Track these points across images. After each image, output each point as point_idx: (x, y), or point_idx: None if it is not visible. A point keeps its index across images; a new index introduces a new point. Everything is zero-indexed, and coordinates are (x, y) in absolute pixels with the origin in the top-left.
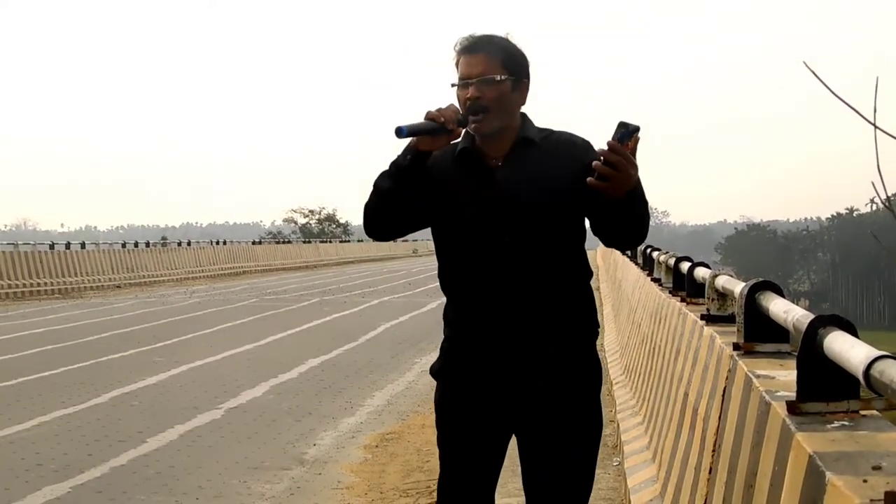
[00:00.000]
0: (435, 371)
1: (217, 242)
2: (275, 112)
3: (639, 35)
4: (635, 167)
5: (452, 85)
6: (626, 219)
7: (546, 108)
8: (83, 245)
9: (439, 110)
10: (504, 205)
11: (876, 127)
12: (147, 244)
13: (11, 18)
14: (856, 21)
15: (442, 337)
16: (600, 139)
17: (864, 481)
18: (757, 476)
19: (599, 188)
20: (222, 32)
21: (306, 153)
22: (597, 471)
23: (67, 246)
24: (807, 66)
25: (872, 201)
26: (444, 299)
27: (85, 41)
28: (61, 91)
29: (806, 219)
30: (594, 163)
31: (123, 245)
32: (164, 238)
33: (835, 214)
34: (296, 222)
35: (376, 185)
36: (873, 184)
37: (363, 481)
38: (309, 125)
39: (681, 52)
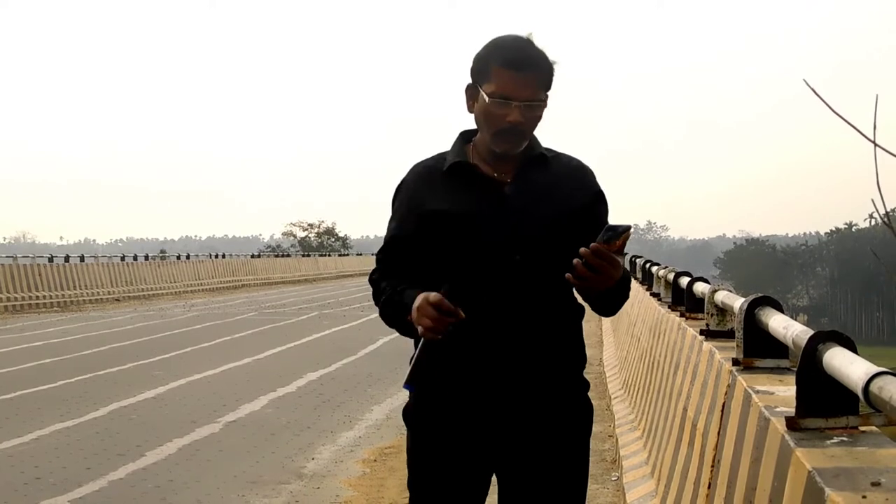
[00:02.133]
0: (415, 408)
1: (216, 256)
2: (274, 125)
3: (636, 50)
4: (618, 267)
5: (479, 91)
6: (603, 301)
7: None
8: (82, 258)
9: (427, 326)
10: (517, 223)
11: (875, 144)
12: (146, 257)
13: (9, 29)
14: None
15: None
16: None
17: (864, 497)
18: (756, 491)
19: (575, 285)
20: (222, 46)
21: (306, 167)
22: (596, 486)
23: (66, 259)
24: (807, 83)
25: (871, 216)
26: None
27: (85, 55)
28: (60, 104)
29: (805, 233)
30: (575, 260)
31: (122, 258)
32: (162, 251)
33: (833, 229)
34: (295, 236)
35: (384, 302)
36: (873, 201)
37: (362, 495)
38: (309, 139)
39: (681, 66)
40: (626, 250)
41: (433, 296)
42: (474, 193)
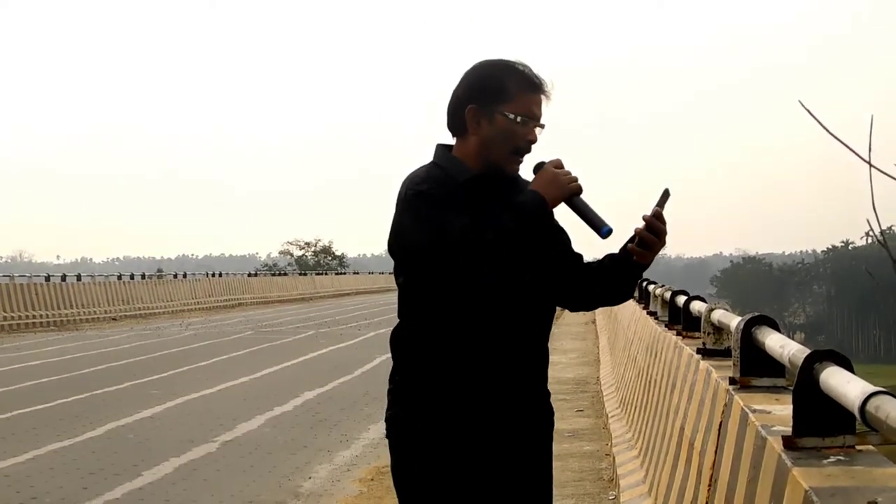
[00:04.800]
0: (409, 421)
1: (213, 274)
2: (271, 144)
3: (631, 69)
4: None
5: (511, 116)
6: (632, 282)
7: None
8: (79, 277)
9: (572, 179)
10: (546, 244)
11: (871, 165)
12: (143, 276)
13: (6, 38)
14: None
15: None
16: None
17: None
18: None
19: (638, 255)
20: (218, 65)
21: (303, 185)
22: None
23: (63, 278)
24: (802, 104)
25: (868, 234)
26: None
27: (80, 69)
28: (56, 120)
29: (801, 251)
30: (637, 229)
31: (119, 277)
32: (159, 270)
33: (830, 247)
34: (292, 254)
35: (502, 231)
36: (868, 221)
37: None
38: (306, 157)
39: (676, 84)
40: None
41: (554, 162)
42: (499, 205)
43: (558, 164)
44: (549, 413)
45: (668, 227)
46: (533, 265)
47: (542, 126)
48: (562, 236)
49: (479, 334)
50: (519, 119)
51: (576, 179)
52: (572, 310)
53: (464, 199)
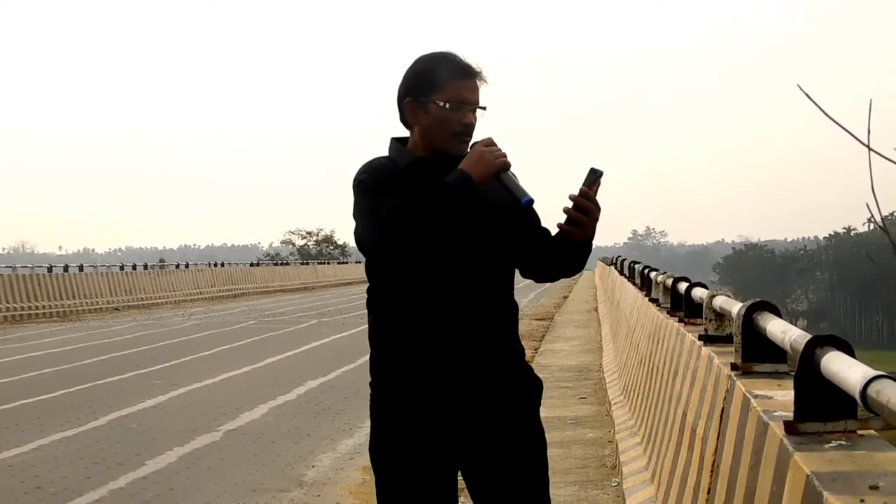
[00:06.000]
0: (376, 409)
1: (215, 264)
2: (273, 134)
3: (629, 59)
4: (600, 210)
5: (441, 104)
6: (578, 257)
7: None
8: (81, 268)
9: (503, 157)
10: (485, 221)
11: (870, 149)
12: (145, 266)
13: (7, 35)
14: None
15: None
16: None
17: (862, 501)
18: (755, 496)
19: (569, 232)
20: (218, 54)
21: (304, 175)
22: (596, 492)
23: (65, 269)
24: (801, 88)
25: (870, 221)
26: None
27: (81, 63)
28: (57, 113)
29: (803, 238)
30: (565, 208)
31: (121, 267)
32: (161, 260)
33: (832, 234)
34: (293, 244)
35: (424, 210)
36: (868, 205)
37: (362, 503)
38: (307, 148)
39: (676, 70)
40: (624, 256)
41: (484, 141)
42: (431, 186)
43: (488, 143)
44: (517, 378)
45: (602, 206)
46: (463, 240)
47: (482, 108)
48: (526, 211)
49: (410, 309)
50: (448, 106)
51: (503, 156)
52: (536, 280)
53: (406, 183)
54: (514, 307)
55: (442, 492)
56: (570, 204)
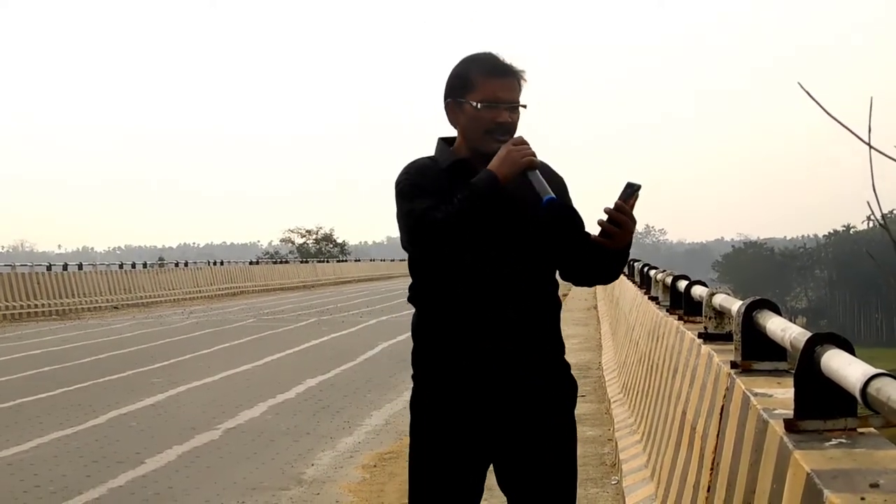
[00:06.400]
0: (417, 401)
1: (214, 263)
2: (273, 134)
3: (629, 57)
4: (635, 223)
5: (474, 104)
6: (612, 266)
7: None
8: (80, 266)
9: (530, 155)
10: (513, 220)
11: (870, 147)
12: (144, 265)
13: (8, 35)
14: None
15: None
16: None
17: (862, 499)
18: (755, 494)
19: (602, 244)
20: (217, 53)
21: (304, 173)
22: (596, 490)
23: (65, 267)
24: (801, 87)
25: (869, 219)
26: None
27: (81, 61)
28: (57, 110)
29: (803, 236)
30: (599, 220)
31: (121, 266)
32: (161, 259)
33: (832, 231)
34: (293, 242)
35: (448, 210)
36: (868, 203)
37: (362, 501)
38: (308, 147)
39: (677, 67)
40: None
41: (514, 139)
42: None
43: (517, 141)
44: (544, 376)
45: (637, 217)
46: (490, 239)
47: (520, 106)
48: (546, 210)
49: (443, 307)
50: (480, 105)
51: (531, 154)
52: (574, 284)
53: (447, 184)
54: (549, 305)
55: (470, 482)
56: (604, 216)
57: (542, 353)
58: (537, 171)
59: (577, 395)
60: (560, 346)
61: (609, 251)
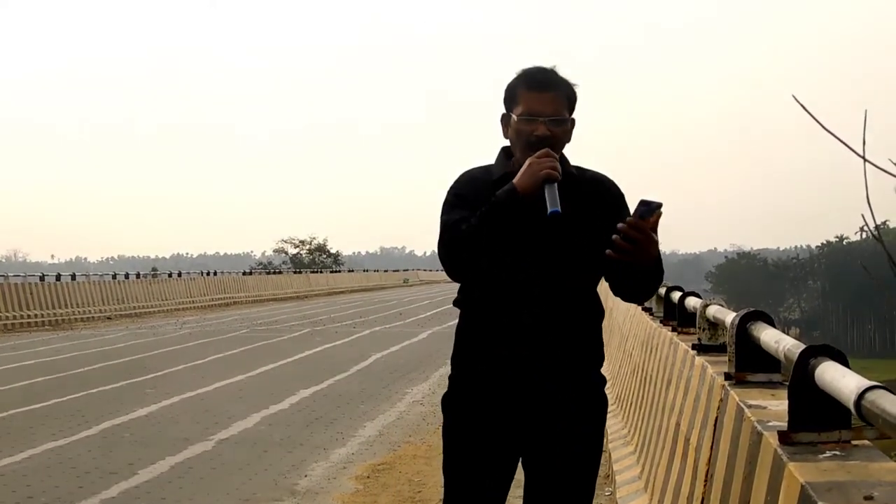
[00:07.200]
0: (448, 399)
1: (208, 273)
2: (266, 142)
3: (623, 63)
4: (656, 244)
5: (510, 116)
6: (640, 282)
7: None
8: (73, 276)
9: (549, 168)
10: (530, 228)
11: (865, 160)
12: (137, 275)
13: (7, 35)
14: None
15: (437, 365)
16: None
17: None
18: None
19: (618, 259)
20: (213, 62)
21: (298, 183)
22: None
23: (58, 277)
24: (796, 99)
25: (862, 230)
26: (434, 329)
27: (76, 66)
28: (51, 120)
29: (796, 247)
30: (613, 237)
31: (114, 276)
32: (154, 269)
33: (825, 242)
34: (286, 252)
35: (479, 225)
36: (863, 216)
37: None
38: (301, 156)
39: (665, 81)
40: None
41: (539, 152)
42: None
43: (541, 154)
44: (565, 386)
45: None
46: (517, 250)
47: (559, 119)
48: (554, 221)
49: (479, 314)
50: (517, 119)
51: (551, 167)
52: (623, 300)
53: (489, 196)
54: (573, 312)
55: (500, 472)
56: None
57: (558, 359)
58: (555, 185)
59: (604, 410)
60: (587, 355)
61: (634, 268)
